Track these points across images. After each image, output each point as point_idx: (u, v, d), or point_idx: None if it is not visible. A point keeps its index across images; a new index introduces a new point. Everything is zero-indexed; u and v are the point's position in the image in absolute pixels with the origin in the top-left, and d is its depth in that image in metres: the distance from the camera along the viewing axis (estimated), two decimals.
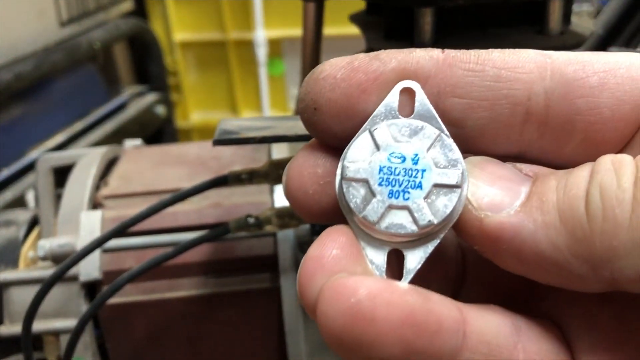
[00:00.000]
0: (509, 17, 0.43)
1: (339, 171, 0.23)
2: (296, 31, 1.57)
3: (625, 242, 0.20)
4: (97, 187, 0.49)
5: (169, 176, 0.50)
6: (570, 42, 0.42)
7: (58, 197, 0.55)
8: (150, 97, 1.53)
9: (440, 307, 0.21)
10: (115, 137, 1.38)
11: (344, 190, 0.22)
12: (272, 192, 0.47)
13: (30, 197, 1.11)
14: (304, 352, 0.45)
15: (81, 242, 0.45)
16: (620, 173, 0.21)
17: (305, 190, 0.24)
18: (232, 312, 0.46)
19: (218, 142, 0.36)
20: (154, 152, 0.55)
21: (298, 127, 0.39)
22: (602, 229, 0.20)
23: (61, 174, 0.57)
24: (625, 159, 0.21)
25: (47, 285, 0.39)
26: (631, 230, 0.20)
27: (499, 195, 0.22)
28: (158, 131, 1.58)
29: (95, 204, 0.48)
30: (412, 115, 0.23)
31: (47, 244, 0.45)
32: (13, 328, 0.45)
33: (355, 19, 0.51)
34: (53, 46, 1.22)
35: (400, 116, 0.23)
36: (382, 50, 0.25)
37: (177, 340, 0.46)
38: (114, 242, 0.45)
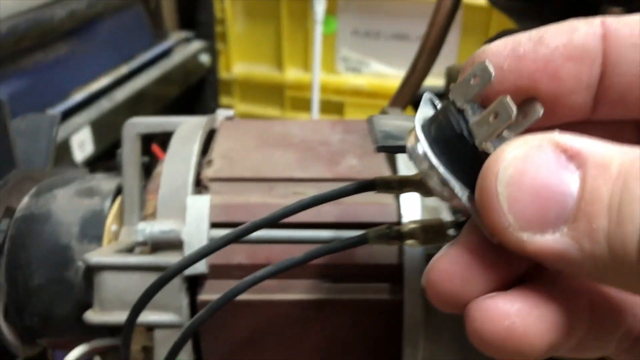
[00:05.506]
0: None
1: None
2: None
3: None
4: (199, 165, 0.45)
5: (276, 161, 0.45)
6: None
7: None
8: (196, 45, 1.47)
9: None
10: (160, 84, 1.33)
11: None
12: (397, 195, 0.42)
13: (74, 142, 1.07)
14: None
15: (188, 230, 0.40)
16: None
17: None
18: (342, 321, 0.42)
19: (383, 149, 0.31)
20: (253, 129, 0.50)
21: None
22: None
23: (146, 141, 0.52)
24: None
25: (167, 276, 0.35)
26: None
27: (543, 208, 0.21)
28: (200, 81, 1.52)
29: (199, 186, 0.43)
30: None
31: (148, 228, 0.40)
32: (104, 317, 0.41)
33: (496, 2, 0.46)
34: None
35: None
36: (544, 31, 0.24)
37: (278, 345, 0.42)
38: (221, 233, 0.41)
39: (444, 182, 0.25)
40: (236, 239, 0.34)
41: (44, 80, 1.08)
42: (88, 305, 0.44)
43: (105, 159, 1.26)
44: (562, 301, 0.23)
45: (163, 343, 0.41)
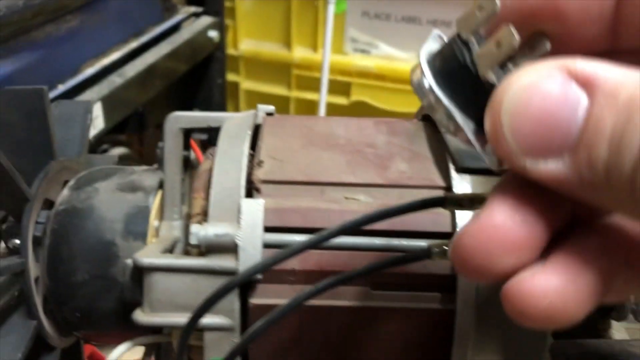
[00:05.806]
0: None
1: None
2: None
3: None
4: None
5: (326, 164, 0.45)
6: None
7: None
8: (205, 20, 1.45)
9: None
10: (169, 60, 1.31)
11: None
12: None
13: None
14: None
15: (243, 235, 0.40)
16: None
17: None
18: (392, 330, 0.42)
19: (465, 170, 0.31)
20: (297, 126, 0.49)
21: None
22: None
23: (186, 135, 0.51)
24: None
25: (236, 282, 0.35)
26: None
27: (546, 136, 0.21)
28: (207, 56, 1.50)
29: (250, 188, 0.43)
30: None
31: (202, 232, 0.40)
32: (153, 317, 0.41)
33: None
34: None
35: None
36: None
37: (324, 351, 0.42)
38: (275, 238, 0.41)
39: (449, 115, 0.25)
40: (311, 246, 0.34)
41: (55, 54, 1.06)
42: (131, 302, 0.44)
43: (111, 133, 1.24)
44: (599, 262, 0.23)
45: (213, 345, 0.41)
